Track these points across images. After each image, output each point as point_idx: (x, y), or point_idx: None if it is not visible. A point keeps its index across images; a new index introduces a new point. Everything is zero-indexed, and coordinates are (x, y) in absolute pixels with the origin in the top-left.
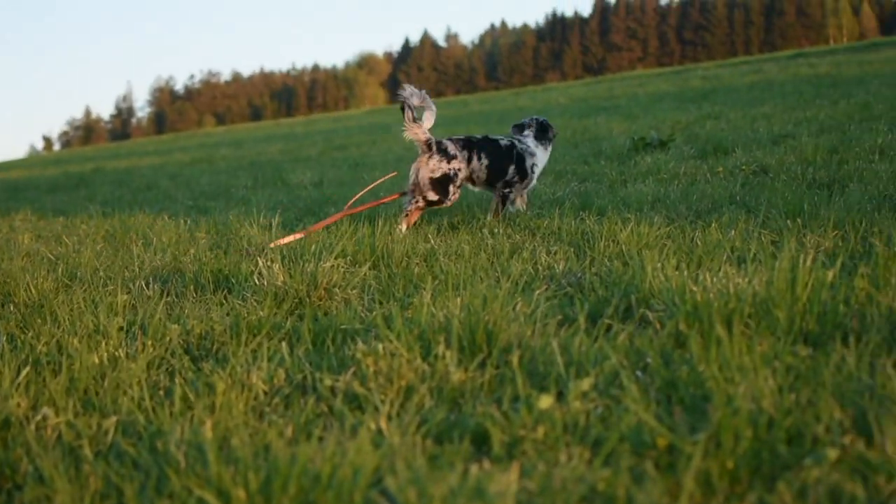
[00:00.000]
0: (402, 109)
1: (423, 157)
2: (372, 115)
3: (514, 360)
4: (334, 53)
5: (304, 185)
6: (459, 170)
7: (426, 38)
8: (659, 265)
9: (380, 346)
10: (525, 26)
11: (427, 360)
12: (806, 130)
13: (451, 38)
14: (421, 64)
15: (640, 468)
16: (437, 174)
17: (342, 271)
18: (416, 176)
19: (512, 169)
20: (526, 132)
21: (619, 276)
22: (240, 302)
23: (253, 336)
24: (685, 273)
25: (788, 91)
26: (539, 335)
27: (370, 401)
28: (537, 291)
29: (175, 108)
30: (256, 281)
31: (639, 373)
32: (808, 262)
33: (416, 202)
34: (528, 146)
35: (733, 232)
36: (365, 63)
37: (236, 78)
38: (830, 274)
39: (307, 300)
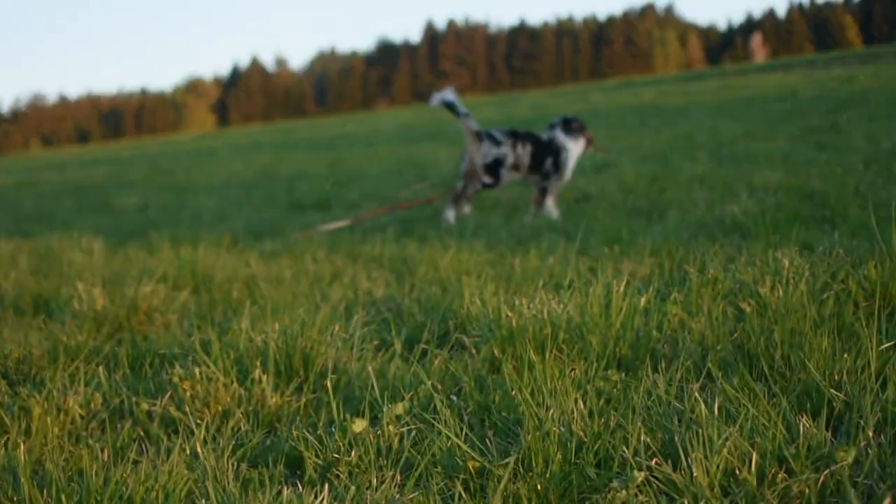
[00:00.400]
0: (450, 109)
1: (474, 147)
2: (200, 140)
3: (330, 384)
4: (163, 77)
5: (128, 209)
6: (507, 154)
7: (255, 63)
8: (477, 291)
9: (197, 371)
10: (355, 53)
11: (244, 384)
12: (628, 159)
13: (281, 63)
14: (250, 89)
15: (451, 490)
16: (489, 159)
17: (163, 296)
18: (471, 163)
19: (549, 161)
20: (557, 130)
21: (437, 301)
22: (59, 326)
23: (71, 360)
24: (502, 299)
25: (613, 120)
26: (356, 360)
27: (186, 425)
28: (356, 317)
29: (0, 130)
30: (76, 305)
31: (454, 397)
32: (622, 289)
33: (474, 186)
34: (562, 141)
35: (552, 259)
36: (194, 87)
37: (63, 101)
38: (643, 300)
39: (127, 324)
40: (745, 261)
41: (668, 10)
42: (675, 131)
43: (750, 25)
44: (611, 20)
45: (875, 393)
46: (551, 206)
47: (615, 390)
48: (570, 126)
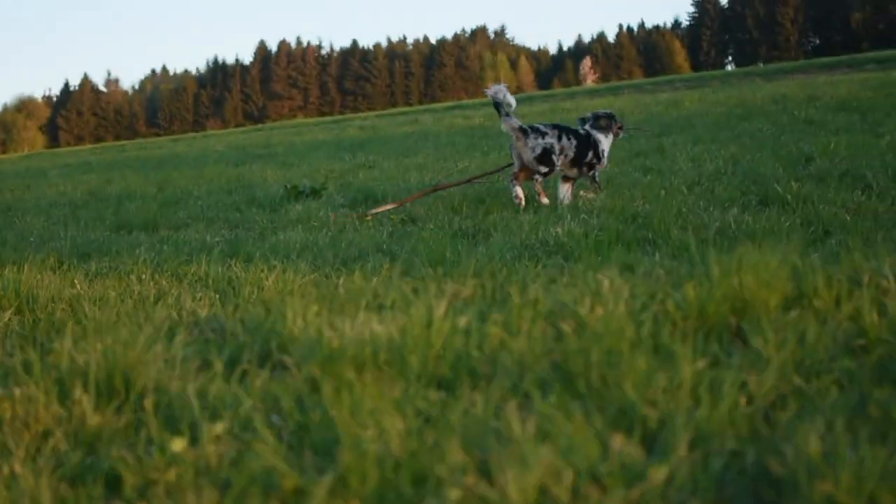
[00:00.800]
0: (496, 108)
1: (520, 143)
2: (29, 160)
3: (150, 404)
4: None
5: None
6: (553, 143)
7: (86, 82)
8: (300, 312)
9: (17, 391)
10: (186, 73)
11: (65, 404)
12: (456, 180)
13: (112, 82)
14: (81, 108)
15: None
16: (538, 150)
17: None
18: (522, 159)
19: (591, 153)
20: (588, 125)
21: (261, 322)
22: None
23: None
24: (324, 319)
25: (443, 142)
26: (177, 380)
27: (5, 444)
28: (178, 337)
29: None
30: None
31: (275, 417)
32: (443, 309)
33: (536, 178)
34: (596, 135)
35: (376, 279)
36: (24, 106)
37: None
38: (464, 320)
39: None
40: (566, 282)
41: (500, 34)
42: (504, 154)
43: (580, 49)
44: (442, 43)
45: (689, 410)
46: (597, 188)
47: (434, 409)
48: (600, 122)
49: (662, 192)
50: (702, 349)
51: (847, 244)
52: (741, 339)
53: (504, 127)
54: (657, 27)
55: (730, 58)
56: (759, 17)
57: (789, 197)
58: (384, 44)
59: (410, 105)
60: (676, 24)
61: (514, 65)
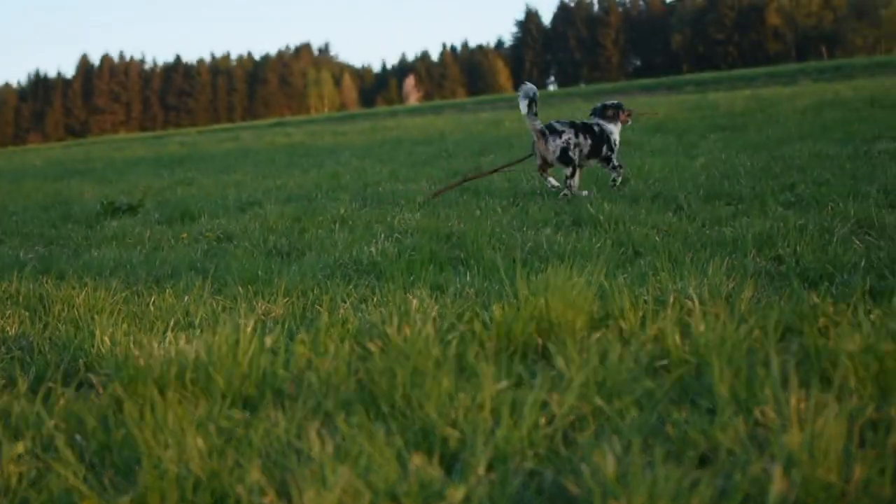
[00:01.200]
0: (529, 104)
1: (541, 143)
2: None
3: None
4: None
5: None
6: (570, 139)
7: None
8: (109, 330)
9: None
10: (7, 86)
11: None
12: (274, 198)
13: None
14: None
15: None
16: (558, 151)
17: None
18: (544, 159)
19: (605, 147)
20: (596, 117)
21: (69, 340)
22: None
23: None
24: (132, 338)
25: (263, 159)
26: None
27: None
28: None
29: None
30: None
31: (77, 436)
32: (251, 328)
33: (567, 172)
34: (607, 127)
35: (187, 297)
36: None
37: None
38: (270, 340)
39: None
40: (377, 301)
41: (324, 51)
42: (323, 172)
43: (404, 68)
44: (266, 59)
45: (489, 431)
46: (619, 174)
47: (238, 429)
48: (607, 112)
49: (478, 211)
50: (506, 369)
51: (655, 265)
52: (546, 359)
53: (527, 124)
54: (481, 47)
55: (552, 78)
56: (581, 38)
57: (601, 217)
58: (208, 59)
59: (233, 121)
60: (500, 44)
61: (338, 82)
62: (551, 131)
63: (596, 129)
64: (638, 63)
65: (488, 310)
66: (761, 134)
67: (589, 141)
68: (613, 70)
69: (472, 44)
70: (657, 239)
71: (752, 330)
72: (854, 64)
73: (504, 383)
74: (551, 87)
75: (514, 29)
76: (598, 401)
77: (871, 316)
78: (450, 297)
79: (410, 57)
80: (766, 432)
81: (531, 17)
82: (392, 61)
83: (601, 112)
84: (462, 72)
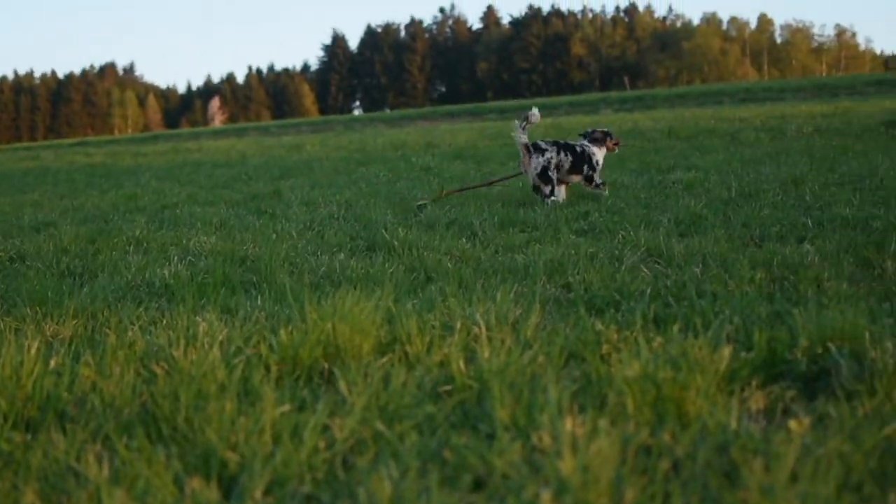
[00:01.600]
0: (522, 123)
1: (526, 159)
2: None
3: None
4: None
5: None
6: (552, 158)
7: None
8: None
9: None
10: None
11: None
12: (70, 219)
13: None
14: None
15: None
16: (539, 169)
17: None
18: (529, 174)
19: (586, 166)
20: (585, 140)
21: None
22: None
23: None
24: None
25: (62, 179)
26: None
27: None
28: None
29: None
30: None
31: None
32: (35, 350)
33: (545, 190)
34: (590, 149)
35: None
36: None
37: None
38: (54, 361)
39: None
40: (166, 324)
41: (129, 71)
42: (122, 193)
43: (210, 89)
44: (70, 78)
45: (268, 454)
46: (601, 190)
47: (17, 452)
48: (595, 135)
49: (274, 235)
50: (290, 393)
51: (445, 291)
52: (331, 383)
53: (517, 140)
54: (287, 70)
55: (357, 102)
56: (387, 63)
57: (396, 243)
58: (10, 76)
59: (35, 140)
60: (306, 67)
61: (142, 102)
62: (536, 149)
63: (578, 149)
64: (443, 90)
65: (277, 334)
66: None
67: (570, 158)
68: (419, 96)
69: (279, 66)
70: (449, 265)
71: (536, 356)
72: (655, 95)
73: (286, 407)
74: (356, 112)
75: (321, 53)
76: (380, 425)
77: (653, 343)
78: (239, 321)
79: (216, 78)
80: (543, 457)
81: (338, 41)
82: (198, 82)
83: (590, 135)
84: (268, 95)
